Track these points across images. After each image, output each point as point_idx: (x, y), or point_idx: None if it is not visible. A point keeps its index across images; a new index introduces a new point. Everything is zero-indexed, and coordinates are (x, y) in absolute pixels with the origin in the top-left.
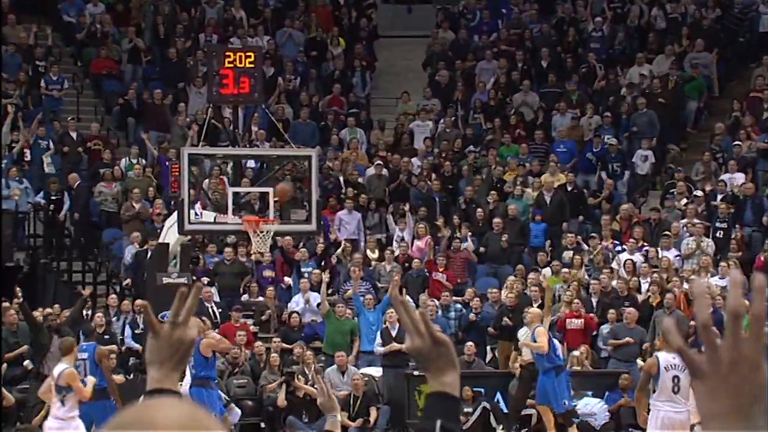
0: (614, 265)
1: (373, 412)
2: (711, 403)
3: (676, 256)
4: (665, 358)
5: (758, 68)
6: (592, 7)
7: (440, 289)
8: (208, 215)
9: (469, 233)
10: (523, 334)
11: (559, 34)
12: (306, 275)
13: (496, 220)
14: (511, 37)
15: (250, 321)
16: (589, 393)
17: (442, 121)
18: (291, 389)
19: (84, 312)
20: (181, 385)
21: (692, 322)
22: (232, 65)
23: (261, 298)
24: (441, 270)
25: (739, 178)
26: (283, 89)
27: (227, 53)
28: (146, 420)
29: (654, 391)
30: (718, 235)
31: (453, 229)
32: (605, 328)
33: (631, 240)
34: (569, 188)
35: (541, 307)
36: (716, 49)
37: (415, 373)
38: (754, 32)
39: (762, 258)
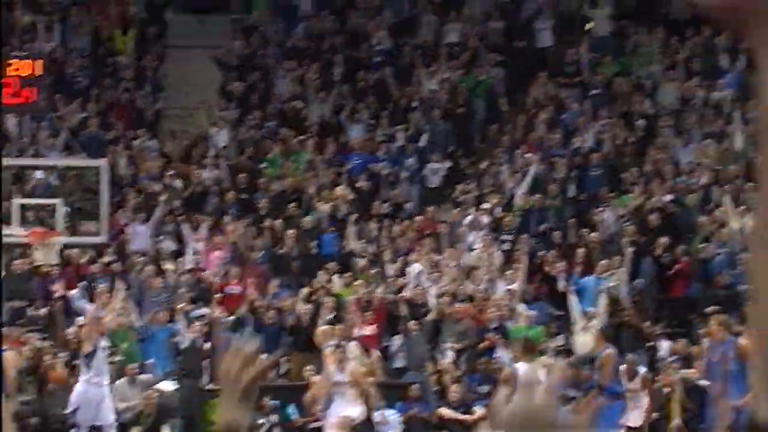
0: (407, 274)
1: (166, 429)
2: None
3: (465, 265)
4: (523, 369)
5: (534, 84)
6: (383, 20)
7: (235, 302)
8: None
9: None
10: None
11: (353, 46)
12: (96, 288)
13: (290, 231)
14: (304, 49)
15: (36, 335)
16: (383, 403)
17: (236, 131)
18: None
19: None
20: None
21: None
22: (15, 73)
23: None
24: (235, 282)
25: (523, 190)
26: (73, 97)
27: (10, 61)
28: None
29: None
30: (505, 246)
31: (249, 241)
32: (397, 339)
33: (423, 250)
34: (364, 195)
35: (336, 320)
36: (502, 64)
37: (208, 387)
38: (535, 48)
39: (546, 268)
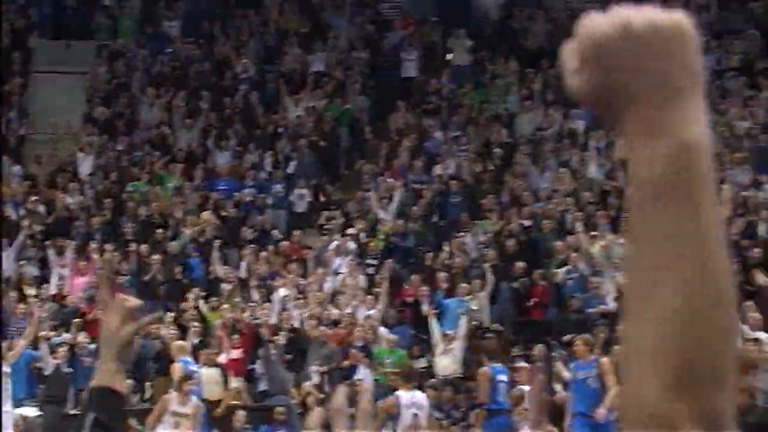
0: (272, 300)
1: None
2: None
3: (330, 289)
4: (405, 396)
5: (398, 113)
6: (249, 48)
7: (98, 328)
8: None
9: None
10: None
11: (219, 74)
12: None
13: (155, 256)
14: (171, 75)
15: None
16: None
17: (102, 156)
18: None
19: None
20: None
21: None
22: None
23: None
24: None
25: (387, 216)
26: None
27: None
28: None
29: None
30: (370, 270)
31: (114, 266)
32: (258, 363)
33: (289, 275)
34: (231, 221)
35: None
36: (366, 93)
37: (72, 412)
38: (399, 77)
39: (408, 288)
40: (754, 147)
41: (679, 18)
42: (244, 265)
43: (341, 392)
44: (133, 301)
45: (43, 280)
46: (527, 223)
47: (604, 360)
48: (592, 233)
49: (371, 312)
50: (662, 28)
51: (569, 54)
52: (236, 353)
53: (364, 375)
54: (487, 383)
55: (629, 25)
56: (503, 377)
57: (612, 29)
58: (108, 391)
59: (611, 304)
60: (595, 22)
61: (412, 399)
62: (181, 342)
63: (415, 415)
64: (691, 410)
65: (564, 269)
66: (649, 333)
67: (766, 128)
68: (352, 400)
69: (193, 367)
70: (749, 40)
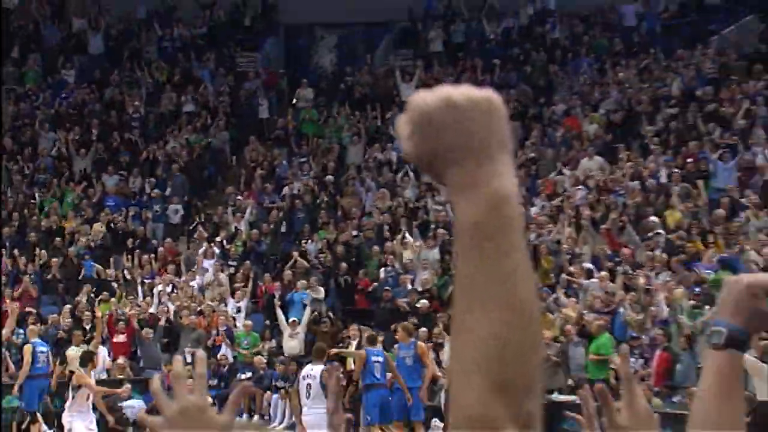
0: (153, 294)
1: None
2: None
3: (199, 285)
4: (306, 368)
5: (253, 146)
6: (136, 92)
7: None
8: None
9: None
10: None
11: (108, 113)
12: None
13: (55, 259)
14: (69, 114)
15: None
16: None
17: (11, 180)
18: None
19: None
20: None
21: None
22: None
23: None
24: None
25: (244, 227)
26: None
27: None
28: None
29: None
30: (231, 270)
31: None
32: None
33: (166, 275)
34: (119, 231)
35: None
36: (229, 129)
37: None
38: (254, 117)
39: (261, 284)
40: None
41: (490, 94)
42: (128, 267)
43: (178, 360)
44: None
45: None
46: (355, 232)
47: (420, 343)
48: (404, 240)
49: (231, 303)
50: (477, 102)
51: (402, 124)
52: (122, 337)
53: (225, 352)
54: (361, 363)
55: (450, 99)
56: (379, 358)
57: (436, 103)
58: None
59: (417, 296)
60: (422, 97)
61: (310, 371)
62: (33, 327)
63: (308, 385)
64: (506, 413)
65: (382, 269)
66: (470, 350)
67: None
68: (216, 372)
69: (42, 347)
70: (522, 94)
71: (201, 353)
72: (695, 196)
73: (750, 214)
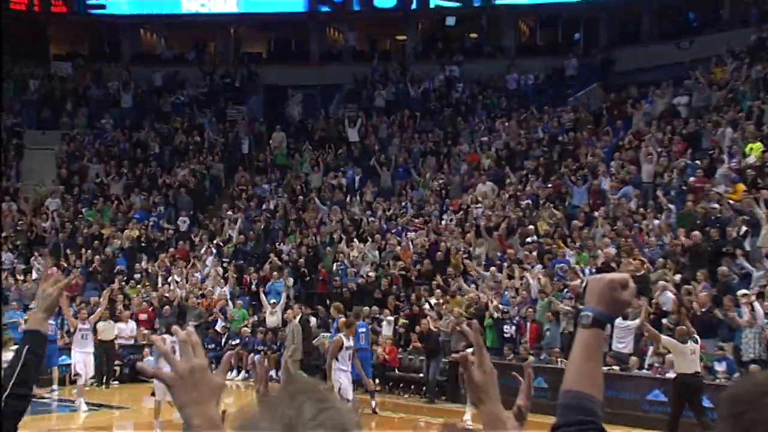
0: (170, 282)
1: None
2: None
3: (201, 276)
4: (346, 341)
5: (240, 173)
6: (157, 134)
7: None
8: None
9: None
10: None
11: (136, 150)
12: None
13: (96, 257)
14: (107, 151)
15: None
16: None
17: (65, 198)
18: None
19: None
20: None
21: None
22: None
23: None
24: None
25: (235, 234)
26: None
27: None
28: None
29: None
30: (225, 265)
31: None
32: (158, 319)
33: (177, 268)
34: (143, 236)
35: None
36: (222, 161)
37: None
38: (241, 152)
39: (246, 276)
40: None
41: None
42: (150, 263)
43: (179, 330)
44: (62, 278)
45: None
46: (314, 238)
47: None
48: (351, 244)
49: (226, 289)
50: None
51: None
52: (144, 315)
53: (220, 326)
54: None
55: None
56: (363, 329)
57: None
58: (38, 333)
59: (360, 280)
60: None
61: (349, 342)
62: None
63: (350, 353)
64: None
65: (335, 264)
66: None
67: None
68: (213, 339)
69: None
70: (436, 137)
71: (190, 329)
72: (559, 211)
73: (599, 222)
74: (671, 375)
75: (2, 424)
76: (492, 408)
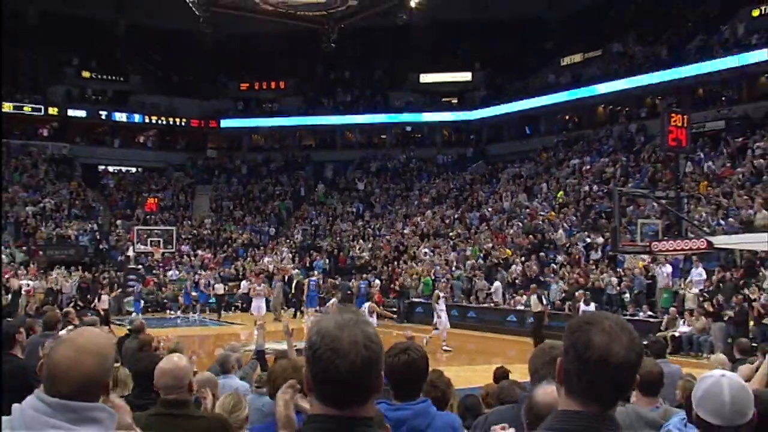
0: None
1: None
2: None
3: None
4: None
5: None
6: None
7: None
8: None
9: None
10: None
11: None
12: None
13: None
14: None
15: None
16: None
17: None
18: None
19: None
20: None
21: None
22: None
23: None
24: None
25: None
26: None
27: None
28: None
29: None
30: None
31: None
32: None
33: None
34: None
35: None
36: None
37: None
38: (299, 194)
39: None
40: None
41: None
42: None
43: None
44: None
45: None
46: (338, 238)
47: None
48: (359, 241)
49: (291, 264)
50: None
51: None
52: (253, 277)
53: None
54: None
55: None
56: (363, 284)
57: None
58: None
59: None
60: None
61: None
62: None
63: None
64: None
65: (350, 252)
66: None
67: None
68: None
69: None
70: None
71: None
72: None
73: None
74: None
75: None
76: None
